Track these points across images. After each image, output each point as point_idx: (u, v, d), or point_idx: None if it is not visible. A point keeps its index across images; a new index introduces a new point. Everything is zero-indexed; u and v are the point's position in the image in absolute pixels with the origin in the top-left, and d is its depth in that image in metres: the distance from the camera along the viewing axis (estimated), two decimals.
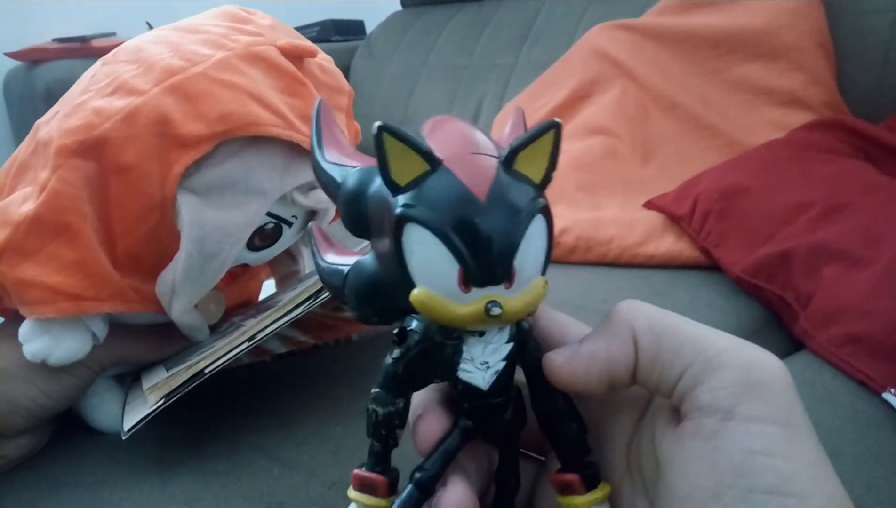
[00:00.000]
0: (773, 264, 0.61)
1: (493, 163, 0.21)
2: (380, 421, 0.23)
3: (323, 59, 0.46)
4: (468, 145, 0.21)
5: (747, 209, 0.67)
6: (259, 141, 0.39)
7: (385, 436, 0.23)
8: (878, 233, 0.58)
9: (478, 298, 0.21)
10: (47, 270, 0.37)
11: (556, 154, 0.22)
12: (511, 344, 0.23)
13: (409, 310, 0.22)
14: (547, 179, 0.22)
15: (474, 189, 0.20)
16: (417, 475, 0.23)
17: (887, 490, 0.38)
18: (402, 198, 0.21)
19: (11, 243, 0.37)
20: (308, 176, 0.41)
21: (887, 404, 0.45)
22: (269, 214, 0.41)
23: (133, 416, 0.38)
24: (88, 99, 0.38)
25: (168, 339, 0.44)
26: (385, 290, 0.22)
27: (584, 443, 0.24)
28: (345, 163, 0.24)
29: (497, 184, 0.21)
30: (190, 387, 0.37)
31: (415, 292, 0.21)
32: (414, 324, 0.23)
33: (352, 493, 0.24)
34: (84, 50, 1.42)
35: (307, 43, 0.44)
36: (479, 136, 0.22)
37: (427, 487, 0.23)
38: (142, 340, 0.44)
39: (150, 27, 1.53)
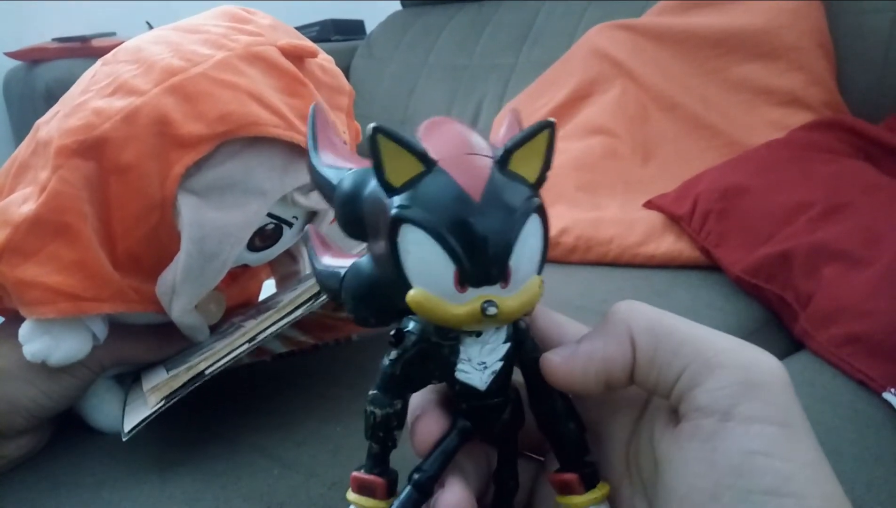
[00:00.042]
0: (773, 264, 0.61)
1: (488, 163, 0.21)
2: (378, 423, 0.23)
3: (323, 59, 0.46)
4: (463, 146, 0.21)
5: (747, 209, 0.67)
6: (259, 141, 0.39)
7: (383, 438, 0.23)
8: (878, 233, 0.58)
9: (474, 298, 0.21)
10: (47, 270, 0.37)
11: (550, 153, 0.22)
12: (508, 345, 0.23)
13: (406, 311, 0.22)
14: (542, 179, 0.22)
15: (469, 189, 0.20)
16: (416, 476, 0.23)
17: (887, 490, 0.38)
18: (397, 200, 0.21)
19: (11, 243, 0.37)
20: (308, 176, 0.41)
21: (887, 404, 0.45)
22: (269, 215, 0.41)
23: (133, 417, 0.38)
24: (88, 99, 0.38)
25: (168, 340, 0.44)
26: (381, 292, 0.22)
27: (583, 443, 0.24)
28: (340, 166, 0.24)
29: (492, 185, 0.21)
30: (190, 389, 0.37)
31: (411, 293, 0.21)
32: (411, 325, 0.23)
33: (351, 495, 0.24)
34: (84, 50, 1.42)
35: (308, 43, 0.44)
36: (474, 137, 0.22)
37: (425, 488, 0.23)
38: (142, 341, 0.44)
39: (150, 27, 1.53)
